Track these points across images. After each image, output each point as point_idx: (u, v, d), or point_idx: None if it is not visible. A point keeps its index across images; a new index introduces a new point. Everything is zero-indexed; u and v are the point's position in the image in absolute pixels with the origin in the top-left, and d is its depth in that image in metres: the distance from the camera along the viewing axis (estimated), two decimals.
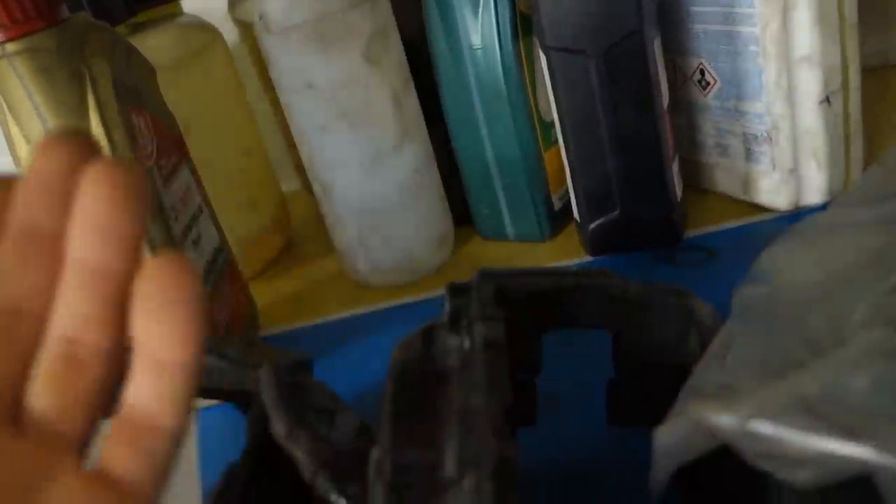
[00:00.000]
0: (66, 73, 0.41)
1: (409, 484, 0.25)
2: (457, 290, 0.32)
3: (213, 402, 0.46)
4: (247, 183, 0.61)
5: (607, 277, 0.33)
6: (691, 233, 0.52)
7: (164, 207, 0.45)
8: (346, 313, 0.55)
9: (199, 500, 0.29)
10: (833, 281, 0.27)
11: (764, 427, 0.21)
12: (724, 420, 0.21)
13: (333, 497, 0.27)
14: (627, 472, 0.35)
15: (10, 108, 0.40)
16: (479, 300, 0.31)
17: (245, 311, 0.53)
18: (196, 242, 0.48)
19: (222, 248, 0.52)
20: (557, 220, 0.56)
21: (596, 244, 0.51)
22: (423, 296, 0.54)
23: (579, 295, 0.33)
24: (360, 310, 0.55)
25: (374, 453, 0.27)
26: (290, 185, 0.74)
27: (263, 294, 0.60)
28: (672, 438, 0.23)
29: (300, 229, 0.69)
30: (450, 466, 0.25)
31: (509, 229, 0.56)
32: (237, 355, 0.35)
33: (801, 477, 0.21)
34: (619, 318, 0.33)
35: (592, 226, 0.50)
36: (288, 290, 0.61)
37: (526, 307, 0.33)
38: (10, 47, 0.39)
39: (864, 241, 0.29)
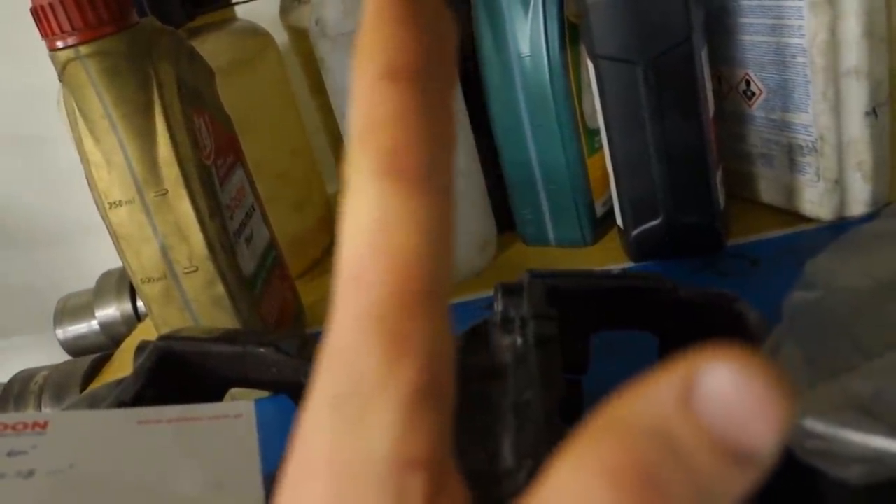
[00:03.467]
0: (134, 75, 0.43)
1: (467, 475, 0.26)
2: (508, 290, 0.33)
3: (269, 392, 0.48)
4: (295, 183, 0.63)
5: (657, 281, 0.34)
6: (734, 241, 0.52)
7: (221, 206, 0.46)
8: None
9: (261, 486, 0.30)
10: (882, 289, 0.28)
11: (817, 424, 0.21)
12: None
13: None
14: None
15: (79, 107, 0.42)
16: (532, 299, 0.32)
17: (292, 307, 0.55)
18: (249, 240, 0.50)
19: (272, 246, 0.54)
20: (600, 226, 0.57)
21: (639, 250, 0.51)
22: (464, 298, 0.55)
23: (629, 297, 0.34)
24: None
25: None
26: (335, 186, 0.76)
27: (309, 293, 0.61)
28: None
29: None
30: (507, 458, 0.26)
31: (551, 235, 0.57)
32: (292, 348, 0.37)
33: (854, 474, 0.22)
34: (667, 320, 0.34)
35: (635, 232, 0.51)
36: (331, 288, 0.62)
37: (575, 307, 0.34)
38: (84, 50, 0.41)
39: None
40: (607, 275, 0.34)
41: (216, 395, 0.38)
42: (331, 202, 0.69)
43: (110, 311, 0.71)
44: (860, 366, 0.23)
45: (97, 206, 0.45)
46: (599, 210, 0.57)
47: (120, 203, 0.43)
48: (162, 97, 0.43)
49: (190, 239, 0.44)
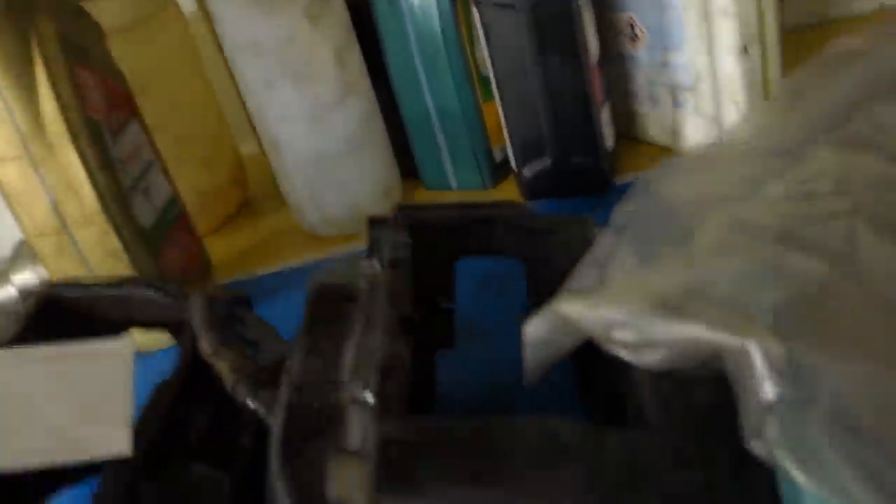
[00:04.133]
0: (12, 30, 0.43)
1: (312, 384, 0.27)
2: (375, 223, 0.35)
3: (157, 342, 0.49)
4: (202, 141, 0.63)
5: (513, 209, 0.35)
6: (623, 178, 0.54)
7: (112, 160, 0.47)
8: (298, 262, 0.58)
9: (130, 419, 0.31)
10: (705, 199, 0.30)
11: (610, 312, 0.23)
12: (575, 308, 0.24)
13: (249, 402, 0.30)
14: (542, 391, 0.38)
15: None
16: (392, 229, 0.33)
17: (198, 261, 0.56)
18: (146, 193, 0.50)
19: (174, 200, 0.54)
20: (499, 170, 0.58)
21: (531, 190, 0.53)
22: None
23: (489, 225, 0.35)
24: (311, 258, 0.57)
25: (287, 362, 0.29)
26: (249, 148, 0.76)
27: (220, 247, 0.62)
28: (537, 332, 0.25)
29: (258, 190, 0.71)
30: (346, 366, 0.28)
31: (452, 180, 0.59)
32: (175, 289, 0.38)
33: (649, 359, 0.24)
34: (527, 247, 0.36)
35: (526, 173, 0.53)
36: (243, 243, 0.63)
37: (439, 237, 0.35)
38: None
39: (741, 168, 0.32)
40: (469, 205, 0.36)
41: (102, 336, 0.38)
42: (242, 161, 0.69)
43: (27, 276, 0.71)
44: (661, 260, 0.25)
45: None
46: (498, 155, 0.58)
47: (5, 159, 0.44)
48: (43, 52, 0.43)
49: (80, 192, 0.45)
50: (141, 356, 0.42)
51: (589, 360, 0.35)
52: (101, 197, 0.45)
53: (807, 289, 0.22)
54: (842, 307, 0.22)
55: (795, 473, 0.21)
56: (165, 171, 0.54)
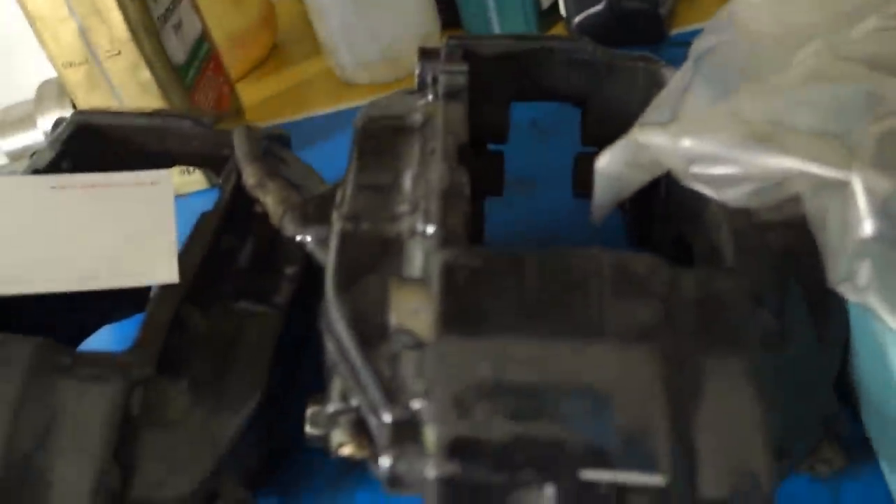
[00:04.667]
0: None
1: (367, 215, 0.26)
2: (426, 53, 0.33)
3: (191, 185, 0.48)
4: None
5: (576, 41, 0.33)
6: (680, 29, 0.51)
7: None
8: (331, 109, 0.56)
9: (174, 243, 0.31)
10: (790, 33, 0.27)
11: (695, 143, 0.22)
12: (657, 139, 0.22)
13: (299, 237, 0.29)
14: (592, 239, 0.37)
15: None
16: (446, 58, 0.31)
17: (229, 102, 0.54)
18: (177, 28, 0.48)
19: (204, 38, 0.52)
20: (545, 17, 0.55)
21: None
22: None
23: (547, 58, 0.33)
24: (345, 106, 0.55)
25: (338, 193, 0.28)
26: None
27: (250, 93, 0.60)
28: (613, 164, 0.23)
29: (288, 33, 0.68)
30: (404, 198, 0.26)
31: (496, 27, 0.55)
32: (211, 121, 0.36)
33: (732, 195, 0.22)
34: (587, 84, 0.33)
35: (578, 19, 0.50)
36: (275, 88, 0.61)
37: (495, 70, 0.33)
38: None
39: (830, 2, 0.29)
40: (526, 36, 0.33)
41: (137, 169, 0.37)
42: (271, 2, 0.66)
43: (53, 118, 0.69)
44: (747, 89, 0.23)
45: None
46: (545, 1, 0.55)
47: None
48: None
49: (109, 19, 0.42)
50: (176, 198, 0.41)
51: (643, 206, 0.33)
52: (130, 25, 0.43)
53: None
54: None
55: (889, 318, 0.20)
56: (195, 6, 0.51)
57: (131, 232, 0.30)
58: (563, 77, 0.33)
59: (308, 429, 0.24)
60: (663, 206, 0.31)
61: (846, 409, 0.26)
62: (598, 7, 0.49)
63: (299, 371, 0.32)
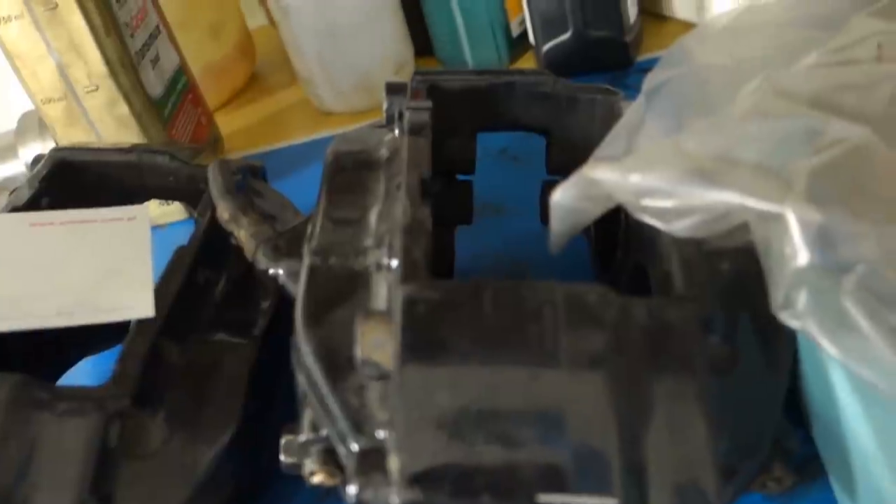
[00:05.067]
0: None
1: (335, 250, 0.27)
2: (392, 88, 0.34)
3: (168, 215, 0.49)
4: (208, 7, 0.61)
5: (537, 74, 0.34)
6: (646, 56, 0.52)
7: (118, 23, 0.45)
8: (309, 137, 0.57)
9: (151, 275, 0.31)
10: (741, 66, 0.29)
11: (642, 178, 0.23)
12: (607, 175, 0.23)
13: (272, 270, 0.30)
14: (559, 264, 0.38)
15: None
16: (412, 94, 0.32)
17: (207, 133, 0.55)
18: (155, 62, 0.49)
19: (182, 71, 0.53)
20: (516, 46, 0.56)
21: (550, 66, 0.52)
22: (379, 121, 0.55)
23: (509, 92, 0.34)
24: (322, 134, 0.56)
25: (308, 226, 0.29)
26: (256, 20, 0.74)
27: (228, 122, 0.61)
28: (566, 198, 0.25)
29: (266, 63, 0.70)
30: (370, 233, 0.27)
31: (468, 55, 0.57)
32: (187, 156, 0.37)
33: (680, 227, 0.23)
34: (548, 115, 0.35)
35: (546, 47, 0.51)
36: (253, 118, 0.62)
37: (459, 104, 0.34)
38: None
39: (778, 37, 0.30)
40: (490, 71, 0.35)
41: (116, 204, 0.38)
42: (249, 31, 0.67)
43: (35, 149, 0.70)
44: (693, 125, 0.24)
45: None
46: (515, 30, 0.56)
47: (9, 18, 0.42)
48: None
49: (87, 56, 0.43)
50: (153, 229, 0.42)
51: (606, 234, 0.34)
52: (107, 61, 0.44)
53: (844, 155, 0.22)
54: (880, 174, 0.22)
55: (825, 343, 0.21)
56: (172, 40, 0.53)
57: (108, 267, 0.31)
58: (525, 109, 0.35)
59: (282, 457, 0.25)
60: (623, 235, 0.32)
61: (799, 430, 0.27)
62: (566, 36, 0.50)
63: (276, 401, 0.33)
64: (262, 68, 0.69)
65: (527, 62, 0.56)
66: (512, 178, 0.45)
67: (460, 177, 0.37)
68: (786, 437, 0.24)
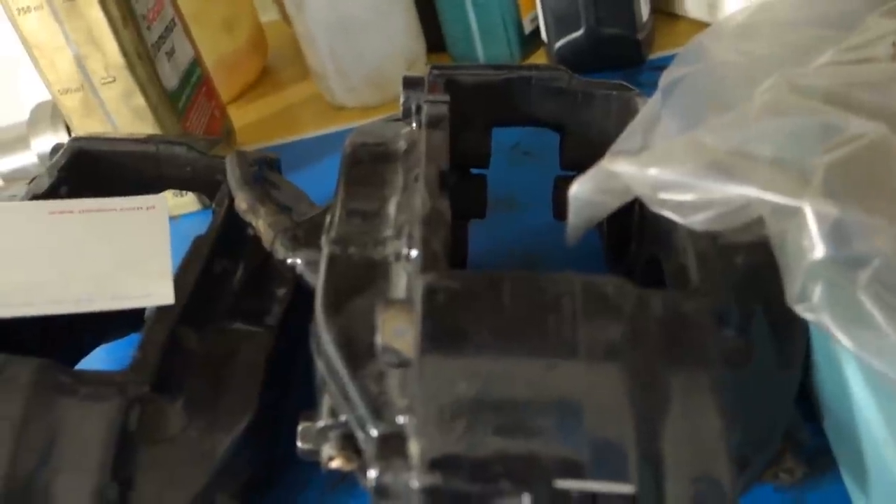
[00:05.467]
0: None
1: (354, 240, 0.28)
2: (410, 82, 0.34)
3: (183, 206, 0.49)
4: (222, 2, 0.61)
5: (552, 70, 0.34)
6: (658, 54, 0.53)
7: (135, 15, 0.45)
8: (320, 132, 0.57)
9: (170, 267, 0.32)
10: (756, 64, 0.29)
11: (660, 172, 0.23)
12: (626, 168, 0.24)
13: (289, 260, 0.30)
14: (571, 258, 0.38)
15: None
16: (429, 88, 0.33)
17: (220, 126, 0.55)
18: (170, 54, 0.49)
19: (196, 64, 0.53)
20: (528, 43, 0.57)
21: (562, 63, 0.52)
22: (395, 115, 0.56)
23: (525, 87, 0.34)
24: (334, 128, 0.57)
25: (327, 217, 0.29)
26: (269, 15, 0.74)
27: (241, 116, 0.61)
28: (584, 190, 0.25)
29: (278, 58, 0.70)
30: (389, 223, 0.28)
31: (480, 52, 0.57)
32: (204, 147, 0.38)
33: (697, 220, 0.24)
34: (563, 111, 0.35)
35: (558, 44, 0.51)
36: (265, 111, 0.62)
37: (475, 99, 0.34)
38: None
39: (792, 35, 0.31)
40: (506, 66, 0.35)
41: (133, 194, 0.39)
42: (262, 26, 0.68)
43: (47, 140, 0.70)
44: (711, 120, 0.24)
45: (6, 14, 0.44)
46: (527, 27, 0.56)
47: (28, 9, 0.42)
48: None
49: (104, 47, 0.44)
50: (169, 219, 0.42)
51: (619, 227, 0.35)
52: (125, 53, 0.44)
53: (861, 149, 0.22)
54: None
55: (840, 336, 0.21)
56: (187, 33, 0.53)
57: (128, 255, 0.32)
58: (540, 105, 0.35)
59: (299, 444, 0.25)
60: (638, 228, 0.32)
61: (810, 423, 0.27)
62: (578, 33, 0.50)
63: (292, 389, 0.33)
64: (274, 62, 0.69)
65: (539, 59, 0.57)
66: (524, 174, 0.45)
67: (474, 171, 0.37)
68: (797, 429, 0.25)
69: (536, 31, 0.56)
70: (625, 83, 0.35)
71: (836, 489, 0.26)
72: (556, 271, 0.23)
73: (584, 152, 0.36)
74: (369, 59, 0.55)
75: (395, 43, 0.56)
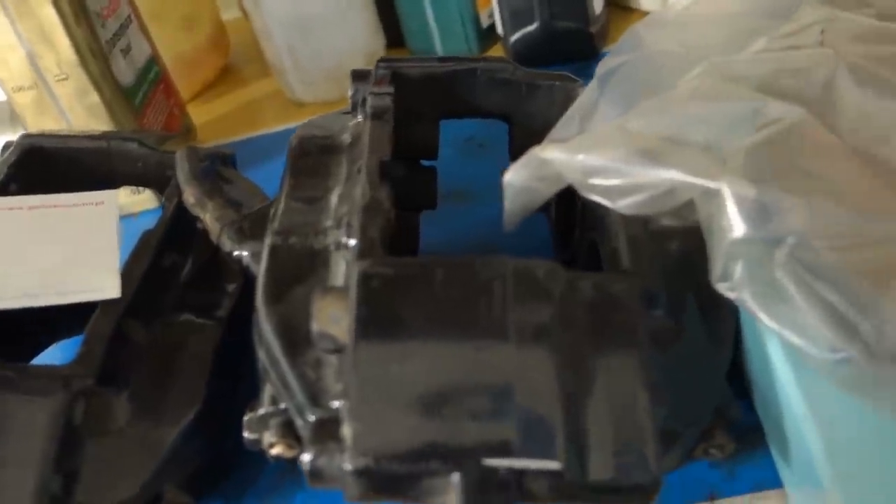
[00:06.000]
0: None
1: (296, 230, 0.28)
2: (357, 75, 0.34)
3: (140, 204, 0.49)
4: (182, 0, 0.61)
5: (496, 62, 0.35)
6: (612, 46, 0.53)
7: (88, 12, 0.45)
8: (281, 127, 0.57)
9: (117, 263, 0.32)
10: (692, 53, 0.30)
11: (589, 158, 0.24)
12: (556, 154, 0.24)
13: (236, 252, 0.30)
14: (521, 247, 0.39)
15: None
16: (374, 80, 0.33)
17: (179, 123, 0.55)
18: (126, 51, 0.49)
19: (154, 61, 0.53)
20: (486, 37, 0.57)
21: (517, 56, 0.52)
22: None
23: (472, 79, 0.35)
24: (294, 124, 0.57)
25: (272, 209, 0.30)
26: (231, 12, 0.74)
27: (202, 113, 0.61)
28: (517, 178, 0.25)
29: (240, 54, 0.70)
30: (330, 214, 0.28)
31: (438, 46, 0.58)
32: (156, 142, 0.38)
33: (625, 204, 0.24)
34: (509, 102, 0.35)
35: (514, 38, 0.52)
36: (226, 108, 0.62)
37: (423, 91, 0.35)
38: None
39: (729, 26, 0.31)
40: (452, 58, 0.35)
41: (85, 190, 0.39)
42: (223, 23, 0.68)
43: (5, 138, 0.70)
44: (638, 107, 0.25)
45: None
46: (485, 21, 0.57)
47: None
48: None
49: (57, 45, 0.44)
50: (125, 217, 0.42)
51: (566, 214, 0.35)
52: (77, 50, 0.44)
53: (779, 134, 0.23)
54: (814, 150, 0.23)
55: (759, 313, 0.22)
56: (144, 30, 0.53)
57: (76, 250, 0.32)
58: (486, 96, 0.35)
59: (245, 433, 0.26)
60: (580, 215, 0.33)
61: (744, 400, 0.28)
62: (533, 27, 0.51)
63: (243, 381, 0.33)
64: (235, 59, 0.69)
65: (496, 53, 0.57)
66: (478, 165, 0.46)
67: (425, 162, 0.38)
68: (728, 406, 0.25)
69: (494, 25, 0.57)
70: (568, 74, 0.36)
71: (766, 463, 0.27)
72: (489, 255, 0.24)
73: (530, 142, 0.36)
74: (328, 55, 0.55)
75: (354, 38, 0.56)
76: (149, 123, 0.50)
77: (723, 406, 0.25)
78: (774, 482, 0.26)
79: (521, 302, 0.23)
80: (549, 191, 0.26)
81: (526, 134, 0.36)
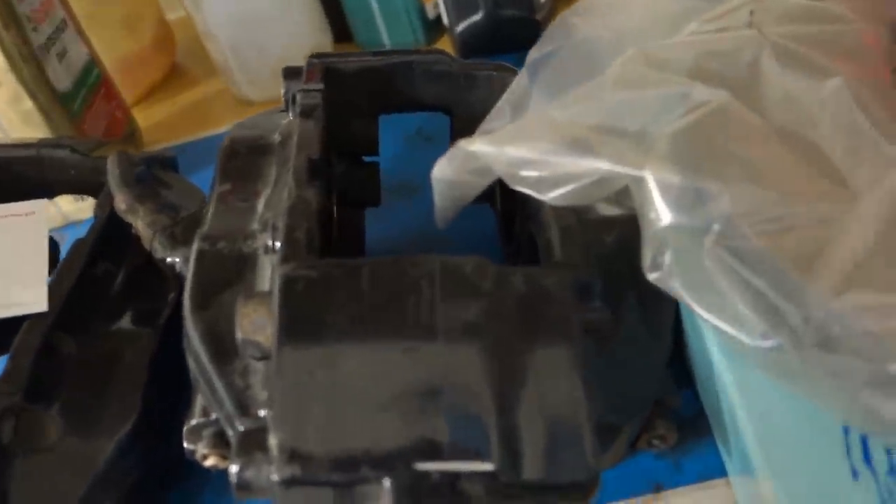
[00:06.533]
0: None
1: (223, 235, 0.27)
2: (289, 72, 0.34)
3: (89, 209, 0.48)
4: (120, 1, 0.60)
5: (432, 53, 0.34)
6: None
7: (18, 16, 0.44)
8: (229, 128, 0.56)
9: (45, 276, 0.31)
10: (622, 39, 0.29)
11: (516, 150, 0.23)
12: (482, 147, 0.24)
13: (168, 259, 0.30)
14: (470, 240, 0.38)
15: None
16: (305, 77, 0.32)
17: (122, 127, 0.54)
18: (62, 56, 0.48)
19: (93, 64, 0.52)
20: (433, 28, 0.57)
21: (465, 47, 0.52)
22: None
23: (409, 72, 0.34)
24: None
25: (202, 214, 0.29)
26: (176, 12, 0.73)
27: (149, 115, 0.60)
28: (445, 172, 0.25)
29: (187, 54, 0.68)
30: (258, 217, 0.27)
31: (385, 39, 0.57)
32: (87, 148, 0.37)
33: (556, 195, 0.24)
34: (448, 93, 0.35)
35: (459, 28, 0.51)
36: (173, 109, 0.61)
37: (359, 86, 0.34)
38: None
39: (660, 9, 0.31)
40: (387, 52, 0.35)
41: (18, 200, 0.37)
42: (167, 23, 0.66)
43: None
44: (565, 96, 0.25)
45: None
46: (431, 12, 0.56)
47: None
48: None
49: None
50: (70, 226, 0.41)
51: (510, 208, 0.35)
52: (8, 56, 0.43)
53: (703, 118, 0.22)
54: (739, 134, 0.22)
55: (690, 302, 0.21)
56: (81, 33, 0.52)
57: (2, 263, 0.31)
58: (424, 89, 0.35)
59: (185, 444, 0.25)
60: (520, 206, 0.32)
61: (688, 389, 0.28)
62: (478, 16, 0.50)
63: (185, 391, 0.32)
64: (182, 59, 0.68)
65: (444, 45, 0.56)
66: (427, 158, 0.45)
67: (367, 158, 0.37)
68: (669, 396, 0.25)
69: (440, 16, 0.56)
70: (505, 63, 0.35)
71: (712, 452, 0.26)
72: (417, 254, 0.23)
73: (472, 133, 0.36)
74: (272, 52, 0.54)
75: (299, 34, 0.55)
76: (90, 129, 0.49)
77: (663, 396, 0.25)
78: (720, 471, 0.26)
79: (449, 299, 0.22)
80: (480, 184, 0.26)
81: (467, 125, 0.35)
